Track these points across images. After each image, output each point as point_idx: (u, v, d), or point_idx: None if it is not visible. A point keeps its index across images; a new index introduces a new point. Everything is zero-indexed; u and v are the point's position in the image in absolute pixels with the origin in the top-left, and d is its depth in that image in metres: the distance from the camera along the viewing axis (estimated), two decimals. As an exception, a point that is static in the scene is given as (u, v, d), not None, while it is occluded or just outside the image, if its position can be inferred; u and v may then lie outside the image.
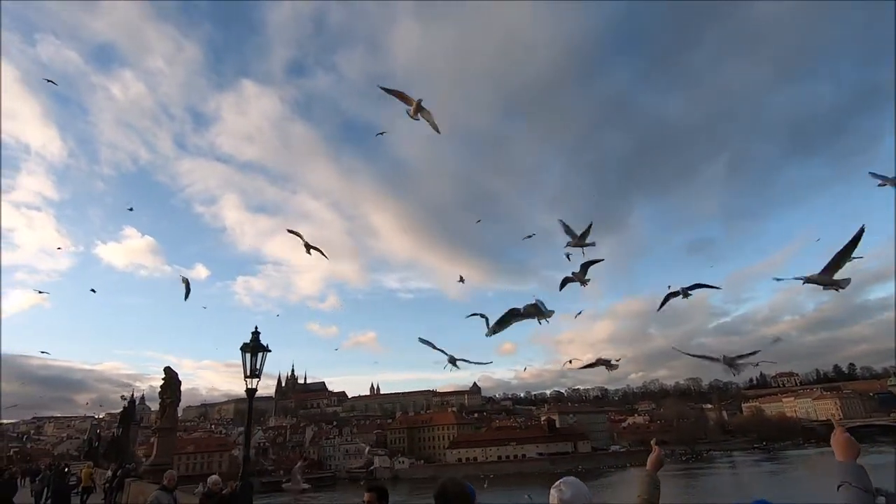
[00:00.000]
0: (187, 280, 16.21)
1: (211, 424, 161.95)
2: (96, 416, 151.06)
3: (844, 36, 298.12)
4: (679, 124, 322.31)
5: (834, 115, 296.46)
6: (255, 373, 7.52)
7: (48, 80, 25.37)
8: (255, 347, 7.66)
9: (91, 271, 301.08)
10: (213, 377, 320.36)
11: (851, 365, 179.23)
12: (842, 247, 5.19)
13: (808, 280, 4.85)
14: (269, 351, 7.86)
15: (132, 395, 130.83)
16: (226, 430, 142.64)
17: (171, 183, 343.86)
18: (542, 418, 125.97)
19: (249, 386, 7.41)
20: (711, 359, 5.40)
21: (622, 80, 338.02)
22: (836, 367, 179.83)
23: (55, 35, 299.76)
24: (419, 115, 7.83)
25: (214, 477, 7.01)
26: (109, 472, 18.13)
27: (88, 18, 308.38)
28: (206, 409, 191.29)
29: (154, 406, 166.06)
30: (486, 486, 62.61)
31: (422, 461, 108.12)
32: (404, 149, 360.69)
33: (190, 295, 16.43)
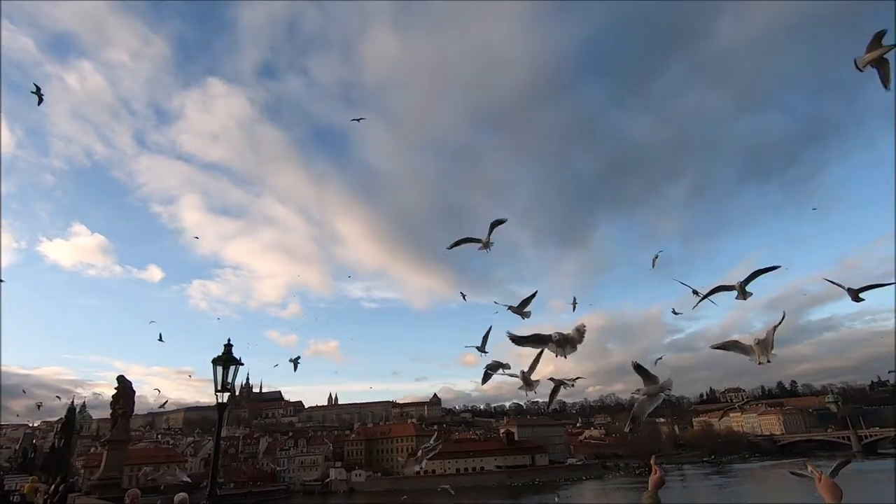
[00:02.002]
0: (297, 360, 16.37)
1: (157, 434, 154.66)
2: (31, 425, 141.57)
3: (796, 71, 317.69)
4: (645, 146, 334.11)
5: (785, 144, 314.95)
6: (226, 387, 7.32)
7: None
8: (227, 360, 7.47)
9: (34, 269, 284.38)
10: (163, 384, 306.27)
11: (794, 382, 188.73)
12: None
13: (643, 392, 5.14)
14: (242, 364, 7.68)
15: (73, 402, 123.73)
16: (174, 440, 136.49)
17: (127, 180, 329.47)
18: (501, 431, 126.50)
19: (221, 400, 7.20)
20: (744, 350, 5.46)
21: (593, 100, 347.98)
22: (779, 384, 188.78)
23: (9, 20, 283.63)
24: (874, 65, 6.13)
25: (182, 495, 6.73)
26: (52, 486, 17.02)
27: (49, 6, 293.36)
28: (154, 418, 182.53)
29: (96, 414, 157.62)
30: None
31: (379, 473, 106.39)
32: (376, 157, 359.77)
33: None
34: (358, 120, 35.82)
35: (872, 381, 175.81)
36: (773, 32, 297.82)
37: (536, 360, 6.26)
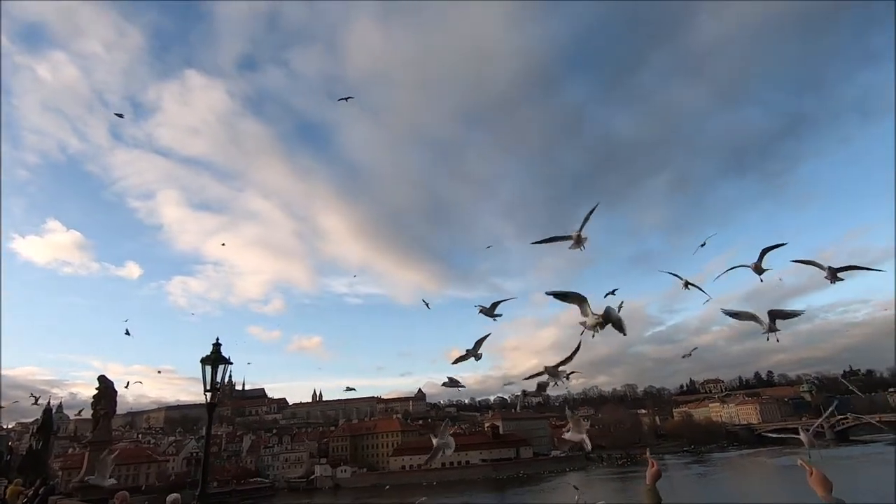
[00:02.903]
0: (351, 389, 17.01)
1: (138, 434, 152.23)
2: (5, 427, 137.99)
3: (773, 68, 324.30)
4: (628, 141, 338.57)
5: (763, 138, 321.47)
6: (216, 386, 7.24)
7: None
8: (216, 359, 7.38)
9: (6, 267, 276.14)
10: (143, 382, 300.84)
11: (770, 372, 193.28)
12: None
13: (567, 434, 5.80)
14: (231, 363, 7.60)
15: (48, 402, 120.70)
16: (154, 439, 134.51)
17: (103, 175, 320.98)
18: (486, 425, 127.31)
19: (210, 400, 7.11)
20: (754, 318, 5.66)
21: (578, 95, 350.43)
22: (756, 374, 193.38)
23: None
24: None
25: (175, 496, 6.64)
26: (32, 489, 16.65)
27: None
28: (133, 418, 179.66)
29: (73, 414, 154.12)
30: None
31: (365, 469, 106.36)
32: (361, 152, 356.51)
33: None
34: (346, 99, 34.63)
35: (844, 371, 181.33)
36: (751, 30, 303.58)
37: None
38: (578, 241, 6.67)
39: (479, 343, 7.62)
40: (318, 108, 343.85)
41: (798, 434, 7.08)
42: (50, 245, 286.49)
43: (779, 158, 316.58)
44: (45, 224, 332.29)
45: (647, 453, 2.94)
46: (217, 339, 7.64)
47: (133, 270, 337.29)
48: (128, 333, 40.54)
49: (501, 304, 8.11)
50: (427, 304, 25.56)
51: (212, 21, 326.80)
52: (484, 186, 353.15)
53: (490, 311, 7.98)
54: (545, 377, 6.59)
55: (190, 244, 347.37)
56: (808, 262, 6.31)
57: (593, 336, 5.61)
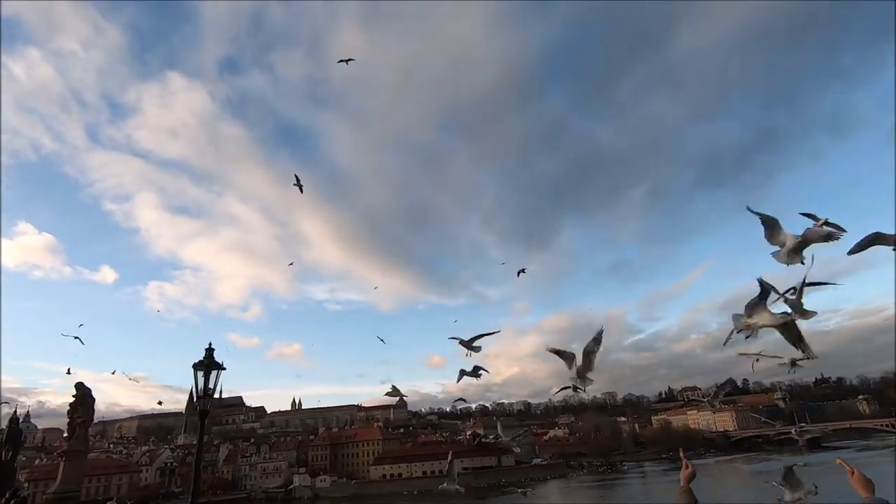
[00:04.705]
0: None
1: (109, 444, 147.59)
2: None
3: (749, 81, 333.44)
4: (607, 151, 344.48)
5: (738, 151, 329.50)
6: (209, 393, 7.08)
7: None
8: (209, 365, 7.23)
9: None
10: (114, 391, 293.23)
11: (745, 380, 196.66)
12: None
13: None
14: (224, 369, 7.44)
15: (15, 411, 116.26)
16: (126, 449, 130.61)
17: (78, 176, 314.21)
18: (468, 432, 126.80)
19: (203, 407, 6.95)
20: (776, 357, 5.81)
21: (558, 105, 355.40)
22: (731, 381, 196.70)
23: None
24: None
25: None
26: (3, 501, 16.03)
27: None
28: (105, 427, 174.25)
29: (41, 424, 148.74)
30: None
31: (345, 479, 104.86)
32: (341, 156, 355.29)
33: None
34: (346, 61, 31.98)
35: (816, 379, 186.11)
36: (727, 44, 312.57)
37: (592, 360, 6.36)
38: (797, 254, 5.01)
39: (476, 368, 7.97)
40: (301, 111, 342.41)
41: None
42: (20, 248, 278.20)
43: (753, 172, 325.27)
44: (16, 226, 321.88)
45: (682, 453, 2.96)
46: (210, 344, 7.51)
47: (108, 275, 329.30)
48: (76, 338, 39.30)
49: (482, 337, 8.33)
50: (382, 340, 25.58)
51: (195, 21, 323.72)
52: (465, 193, 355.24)
53: (469, 344, 8.27)
54: (571, 385, 6.80)
55: (167, 248, 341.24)
56: (872, 243, 4.68)
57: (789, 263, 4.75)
